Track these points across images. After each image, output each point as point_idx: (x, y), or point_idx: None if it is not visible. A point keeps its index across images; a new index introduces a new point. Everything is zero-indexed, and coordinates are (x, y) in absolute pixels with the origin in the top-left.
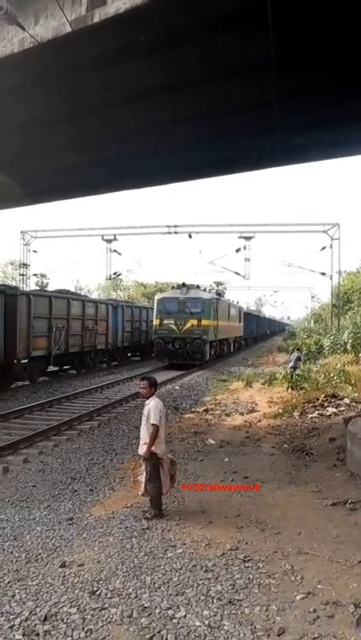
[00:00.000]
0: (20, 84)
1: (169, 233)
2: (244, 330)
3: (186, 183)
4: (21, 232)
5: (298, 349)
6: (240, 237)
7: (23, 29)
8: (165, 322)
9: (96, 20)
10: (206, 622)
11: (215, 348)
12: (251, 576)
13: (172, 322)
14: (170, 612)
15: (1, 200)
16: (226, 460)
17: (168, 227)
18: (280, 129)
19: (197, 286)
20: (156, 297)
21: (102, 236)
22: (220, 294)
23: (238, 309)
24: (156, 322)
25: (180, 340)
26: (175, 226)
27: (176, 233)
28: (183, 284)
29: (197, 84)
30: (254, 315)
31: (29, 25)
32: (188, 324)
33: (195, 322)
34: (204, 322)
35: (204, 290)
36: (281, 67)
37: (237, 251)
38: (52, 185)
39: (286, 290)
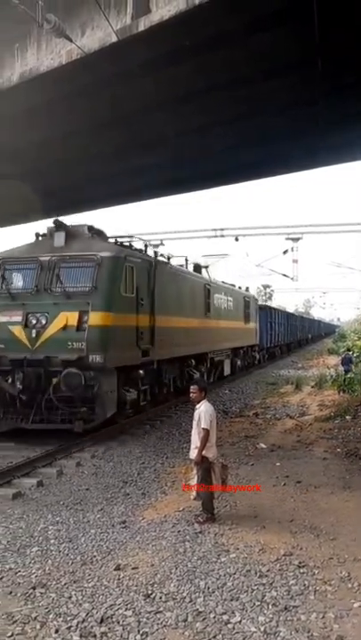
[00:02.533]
0: (66, 95)
1: (215, 237)
2: (262, 335)
3: (231, 186)
4: None
5: (349, 350)
6: (287, 239)
7: (71, 41)
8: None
9: (141, 28)
10: (262, 628)
11: (154, 382)
12: (306, 582)
13: (18, 319)
14: (225, 617)
15: (40, 210)
16: (278, 464)
17: (214, 230)
18: (323, 127)
19: (92, 229)
20: None
21: (149, 241)
22: (199, 267)
23: (243, 298)
24: None
25: (35, 367)
26: (221, 229)
27: (222, 236)
28: (57, 224)
29: (240, 85)
30: (283, 311)
31: (76, 37)
32: (55, 326)
33: (73, 317)
34: (96, 316)
35: (119, 244)
36: (325, 63)
37: (285, 252)
38: (92, 194)
39: (336, 291)
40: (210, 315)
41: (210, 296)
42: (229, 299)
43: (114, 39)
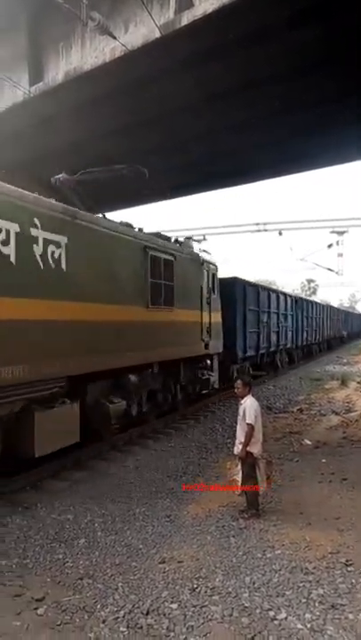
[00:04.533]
0: (109, 93)
1: (258, 231)
2: (234, 333)
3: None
4: None
5: None
6: (332, 232)
7: (114, 38)
8: None
9: (184, 22)
10: (308, 625)
11: None
12: (353, 581)
13: None
14: (271, 614)
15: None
16: (323, 461)
17: (257, 224)
18: (351, 122)
19: None
20: None
21: (192, 237)
22: None
23: (141, 251)
24: None
25: None
26: (265, 223)
27: (266, 230)
28: None
29: (282, 79)
30: (286, 295)
31: (120, 33)
32: None
33: None
34: None
35: None
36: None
37: (329, 246)
38: (130, 191)
39: None
40: None
41: None
42: (59, 241)
43: (157, 35)
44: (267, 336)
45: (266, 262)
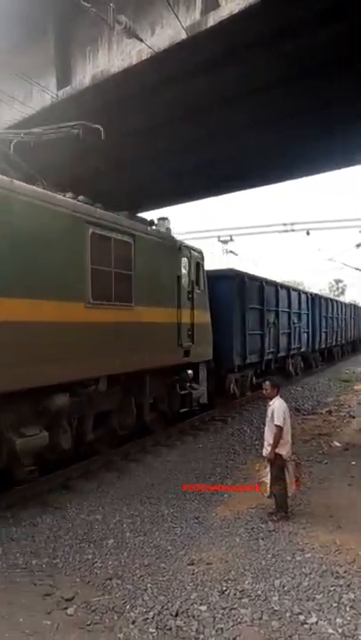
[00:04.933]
0: (130, 95)
1: (285, 231)
2: (228, 335)
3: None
4: None
5: None
6: None
7: (141, 41)
8: None
9: (210, 23)
10: (340, 630)
11: None
12: None
13: None
14: (301, 617)
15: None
16: (353, 463)
17: (285, 224)
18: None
19: None
20: None
21: (218, 237)
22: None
23: None
24: None
25: None
26: (292, 223)
27: (293, 231)
28: None
29: (290, 81)
30: (304, 294)
31: (146, 36)
32: None
33: None
34: None
35: None
36: None
37: (358, 246)
38: (152, 194)
39: None
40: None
41: None
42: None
43: (183, 36)
44: (274, 339)
45: (293, 263)
